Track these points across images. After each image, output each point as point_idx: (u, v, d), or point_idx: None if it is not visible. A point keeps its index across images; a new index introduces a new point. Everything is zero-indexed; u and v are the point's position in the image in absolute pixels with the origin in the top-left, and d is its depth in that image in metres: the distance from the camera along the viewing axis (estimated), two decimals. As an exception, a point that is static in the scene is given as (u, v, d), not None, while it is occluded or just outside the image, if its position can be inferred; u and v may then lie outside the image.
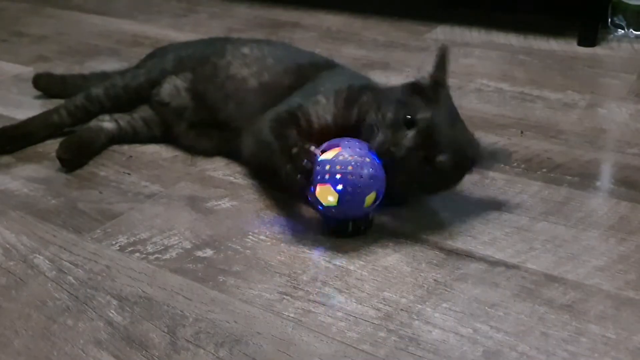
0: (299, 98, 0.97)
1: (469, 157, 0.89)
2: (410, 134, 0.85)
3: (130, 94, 1.15)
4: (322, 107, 0.95)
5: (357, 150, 0.83)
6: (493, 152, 0.97)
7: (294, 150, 0.84)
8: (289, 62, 1.08)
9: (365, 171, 0.81)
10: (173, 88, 1.12)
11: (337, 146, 0.84)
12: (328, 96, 0.95)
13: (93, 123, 1.14)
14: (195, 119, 1.11)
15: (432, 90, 0.90)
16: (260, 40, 1.22)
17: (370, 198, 0.82)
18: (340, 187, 0.81)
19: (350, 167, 0.81)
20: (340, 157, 0.82)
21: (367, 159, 0.82)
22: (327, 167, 0.81)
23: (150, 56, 1.23)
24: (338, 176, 0.81)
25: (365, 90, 0.96)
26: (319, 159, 0.83)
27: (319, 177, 0.82)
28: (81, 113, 1.15)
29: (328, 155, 0.83)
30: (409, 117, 0.85)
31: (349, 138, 0.86)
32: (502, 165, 1.03)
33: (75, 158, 1.07)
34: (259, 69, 1.08)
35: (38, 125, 1.15)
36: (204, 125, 1.10)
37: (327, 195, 0.82)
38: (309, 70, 1.05)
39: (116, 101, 1.15)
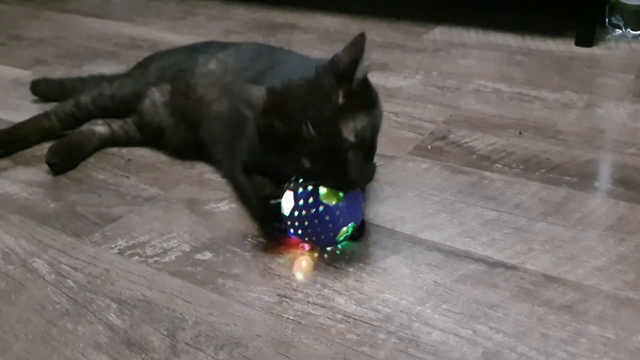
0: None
1: None
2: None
3: (116, 104, 1.16)
4: None
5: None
6: None
7: (262, 215, 0.86)
8: (237, 81, 1.04)
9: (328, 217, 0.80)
10: (151, 104, 1.12)
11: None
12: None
13: (85, 126, 1.15)
14: (177, 140, 1.10)
15: None
16: (234, 45, 1.18)
17: (343, 232, 0.82)
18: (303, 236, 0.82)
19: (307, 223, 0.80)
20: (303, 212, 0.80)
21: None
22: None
23: (139, 65, 1.23)
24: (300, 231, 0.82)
25: None
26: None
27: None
28: (70, 119, 1.16)
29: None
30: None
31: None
32: None
33: (63, 162, 1.07)
34: (219, 93, 1.05)
35: (29, 130, 1.16)
36: (187, 147, 1.09)
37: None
38: None
39: (103, 110, 1.16)
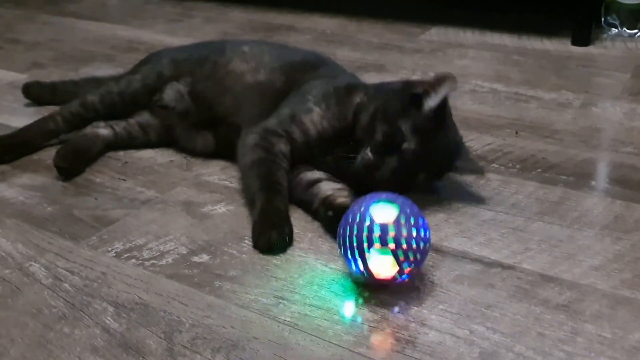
0: (289, 109, 1.00)
1: (444, 170, 0.96)
2: (393, 161, 0.90)
3: (125, 101, 1.15)
4: (316, 114, 0.98)
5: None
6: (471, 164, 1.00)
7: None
8: (282, 61, 1.11)
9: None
10: (177, 93, 1.13)
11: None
12: (319, 102, 0.99)
13: (88, 130, 1.14)
14: (197, 119, 1.12)
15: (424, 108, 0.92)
16: (258, 40, 1.26)
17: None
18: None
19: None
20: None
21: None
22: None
23: (144, 62, 1.23)
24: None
25: (354, 90, 1.00)
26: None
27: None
28: (77, 120, 1.15)
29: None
30: (395, 144, 0.90)
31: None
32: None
33: (72, 166, 1.07)
34: (256, 65, 1.11)
35: (35, 134, 1.15)
36: (205, 124, 1.11)
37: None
38: (298, 72, 1.08)
39: (112, 108, 1.15)
